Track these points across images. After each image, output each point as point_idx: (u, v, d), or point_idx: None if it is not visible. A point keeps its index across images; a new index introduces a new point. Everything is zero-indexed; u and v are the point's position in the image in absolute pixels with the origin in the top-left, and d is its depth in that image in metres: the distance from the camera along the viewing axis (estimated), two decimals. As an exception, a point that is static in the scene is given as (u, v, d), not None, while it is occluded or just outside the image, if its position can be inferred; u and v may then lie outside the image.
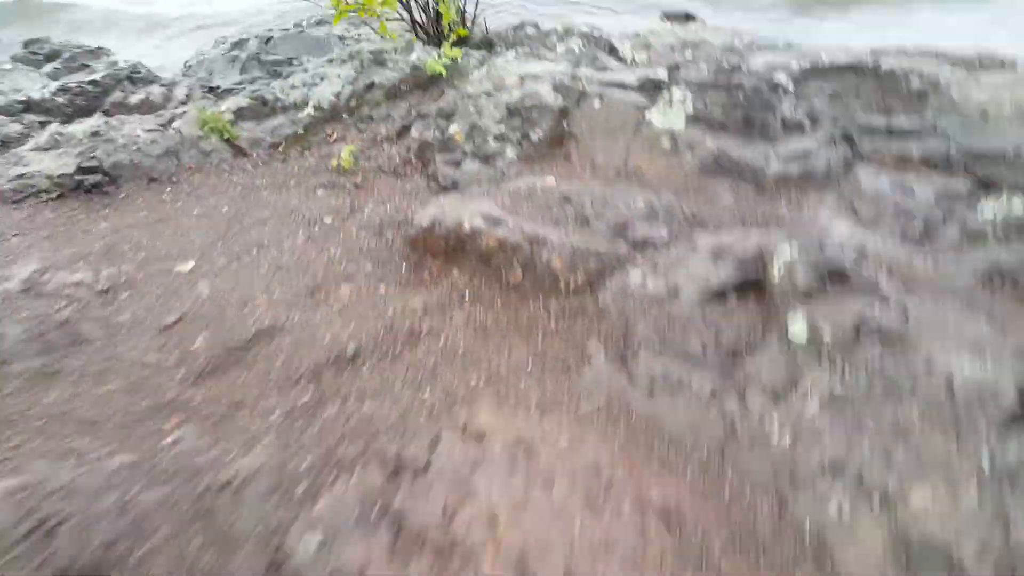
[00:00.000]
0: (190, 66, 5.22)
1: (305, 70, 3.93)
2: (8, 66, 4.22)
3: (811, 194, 2.42)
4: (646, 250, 2.09)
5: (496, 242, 2.15)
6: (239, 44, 5.18)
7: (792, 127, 2.68)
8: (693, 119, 2.71)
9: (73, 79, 3.82)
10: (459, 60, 3.83)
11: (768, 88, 2.81)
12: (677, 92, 2.80)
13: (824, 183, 2.48)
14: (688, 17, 5.31)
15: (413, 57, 3.80)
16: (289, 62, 4.40)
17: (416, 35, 4.37)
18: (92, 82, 3.80)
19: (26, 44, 4.37)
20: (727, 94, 2.75)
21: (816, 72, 3.39)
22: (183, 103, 4.01)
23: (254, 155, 3.39)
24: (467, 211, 2.27)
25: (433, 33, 4.30)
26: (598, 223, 2.21)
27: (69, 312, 2.16)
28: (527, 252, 2.10)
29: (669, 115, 2.75)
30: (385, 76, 3.69)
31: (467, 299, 2.13)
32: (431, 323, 2.04)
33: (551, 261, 2.04)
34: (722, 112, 2.70)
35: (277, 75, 4.31)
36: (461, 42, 4.24)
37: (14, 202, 3.04)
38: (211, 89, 4.37)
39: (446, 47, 3.85)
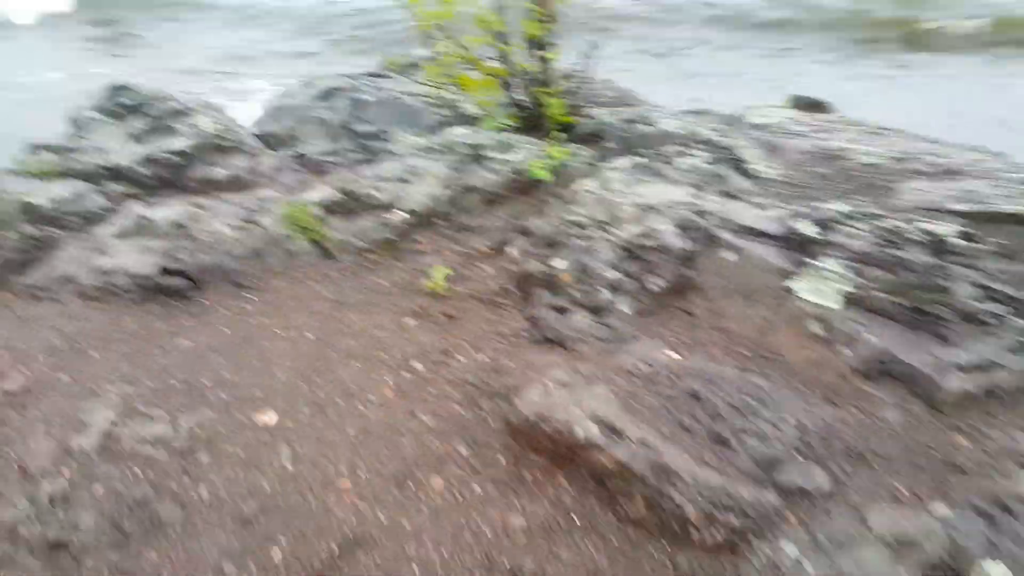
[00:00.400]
0: (278, 109, 5.25)
1: (398, 155, 3.87)
2: (94, 116, 4.31)
3: (997, 421, 2.18)
4: (801, 506, 1.90)
5: (614, 464, 2.00)
6: (329, 95, 5.18)
7: (970, 319, 2.43)
8: (850, 300, 2.50)
9: (159, 147, 3.86)
10: (565, 161, 3.71)
11: (939, 263, 2.57)
12: (830, 263, 2.59)
13: (1013, 403, 2.24)
14: (818, 105, 5.07)
15: (514, 157, 3.69)
16: (380, 135, 4.36)
17: (517, 116, 4.28)
18: (179, 153, 3.84)
19: (111, 92, 4.45)
20: (892, 272, 2.53)
21: (985, 219, 3.13)
22: (270, 178, 4.01)
23: (342, 260, 3.34)
24: (579, 410, 2.13)
25: (537, 115, 4.20)
26: (738, 447, 2.03)
27: (146, 486, 2.12)
28: (652, 484, 1.94)
29: (821, 290, 2.55)
30: (483, 179, 3.60)
31: (577, 525, 1.99)
32: (534, 560, 1.91)
33: (683, 507, 1.87)
34: (886, 296, 2.48)
35: (366, 150, 4.27)
36: (566, 129, 4.13)
37: (95, 299, 3.07)
38: (299, 156, 4.38)
39: (552, 146, 3.73)
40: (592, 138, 4.16)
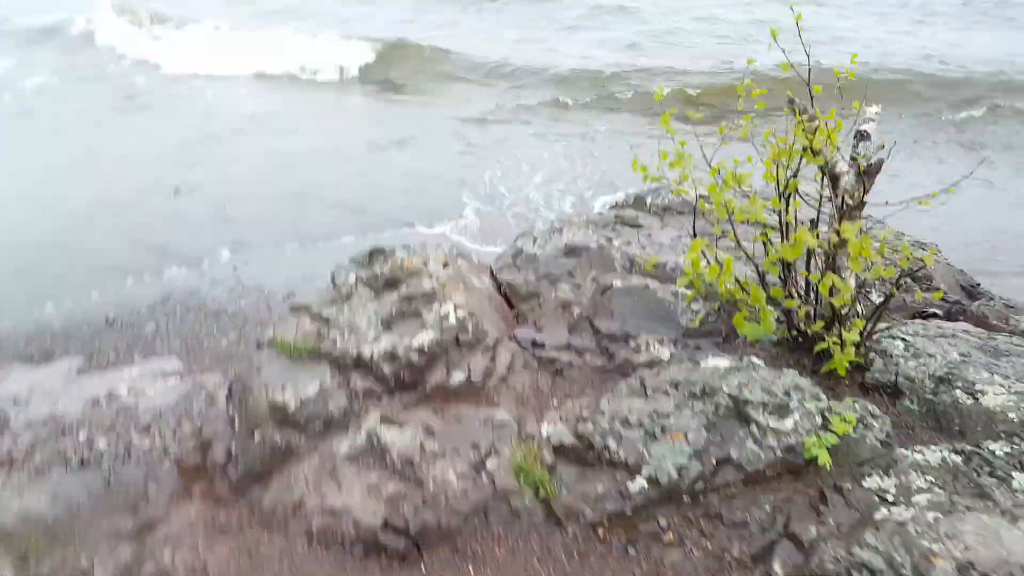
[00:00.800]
0: (521, 254, 5.15)
1: (643, 386, 3.47)
2: (350, 280, 4.45)
3: None
4: None
5: None
6: (574, 253, 4.99)
7: None
8: None
9: (404, 342, 3.84)
10: (851, 434, 3.06)
11: None
12: None
13: None
14: None
15: (786, 425, 3.11)
16: (625, 338, 4.00)
17: (791, 334, 3.69)
18: (419, 350, 3.79)
19: (371, 256, 4.60)
20: None
21: None
22: (504, 382, 3.83)
23: (569, 532, 3.01)
24: None
25: (810, 341, 3.59)
26: None
27: None
28: None
29: None
30: (745, 452, 3.07)
31: None
32: None
33: None
34: None
35: (608, 356, 3.96)
36: (854, 372, 3.47)
37: (319, 542, 3.04)
38: (534, 344, 4.17)
39: (836, 419, 3.10)
40: (885, 390, 3.45)
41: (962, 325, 4.37)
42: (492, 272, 5.18)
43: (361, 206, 9.11)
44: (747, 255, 3.65)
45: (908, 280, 4.97)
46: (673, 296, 4.26)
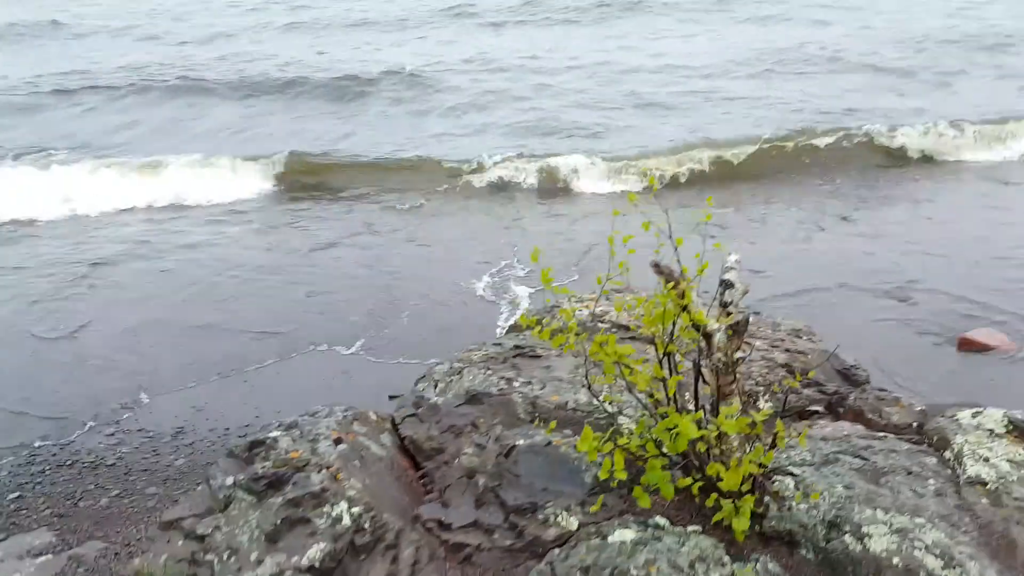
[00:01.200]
0: (422, 401, 5.07)
1: (553, 574, 3.47)
2: (227, 483, 4.18)
3: None
4: None
5: None
6: (475, 401, 5.00)
7: None
8: None
9: (290, 563, 3.64)
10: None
11: None
12: None
13: None
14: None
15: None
16: (533, 510, 4.01)
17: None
18: (309, 569, 3.62)
19: (250, 447, 4.39)
20: None
21: None
22: (411, 582, 3.74)
23: None
24: None
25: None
26: None
27: None
28: None
29: None
30: (663, 646, 3.12)
31: None
32: None
33: None
34: None
35: (516, 533, 3.95)
36: (752, 520, 3.62)
37: None
38: (441, 525, 4.11)
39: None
40: (782, 539, 3.61)
41: (843, 427, 4.70)
42: (394, 423, 5.08)
43: (275, 328, 8.85)
44: (646, 409, 3.78)
45: (788, 376, 5.31)
46: (578, 458, 4.31)
